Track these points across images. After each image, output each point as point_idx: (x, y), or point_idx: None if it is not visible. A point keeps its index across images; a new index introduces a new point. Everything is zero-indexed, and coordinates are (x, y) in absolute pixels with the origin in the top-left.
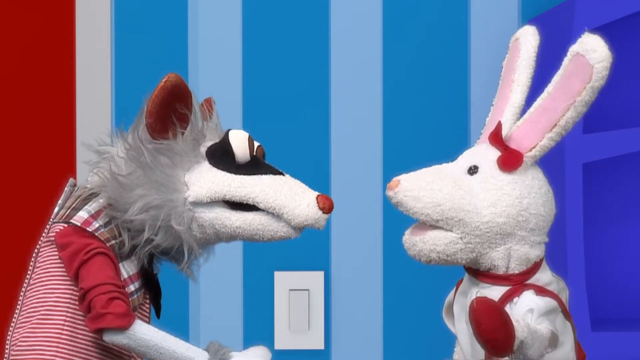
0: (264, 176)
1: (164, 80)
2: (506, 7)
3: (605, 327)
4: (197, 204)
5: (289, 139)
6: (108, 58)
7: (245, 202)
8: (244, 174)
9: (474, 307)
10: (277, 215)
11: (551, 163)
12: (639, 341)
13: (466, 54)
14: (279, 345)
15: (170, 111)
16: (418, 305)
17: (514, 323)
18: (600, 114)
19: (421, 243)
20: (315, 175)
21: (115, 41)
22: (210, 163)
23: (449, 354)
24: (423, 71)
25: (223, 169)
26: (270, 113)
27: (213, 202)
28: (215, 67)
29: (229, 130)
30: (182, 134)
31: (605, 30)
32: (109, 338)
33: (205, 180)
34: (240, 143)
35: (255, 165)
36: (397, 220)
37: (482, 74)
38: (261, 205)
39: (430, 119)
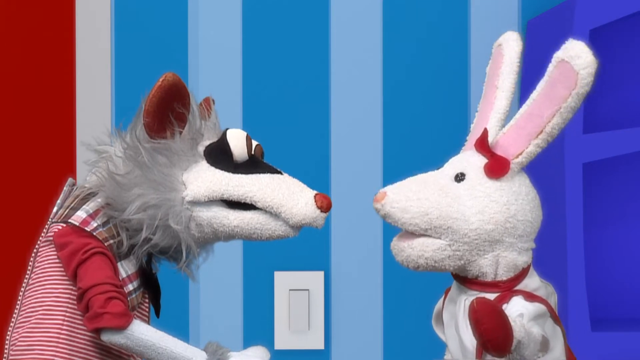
0: (262, 175)
1: (161, 79)
2: (506, 7)
3: (605, 327)
4: (195, 203)
5: (289, 138)
6: (108, 58)
7: (243, 201)
8: (241, 173)
9: (474, 307)
10: (275, 214)
11: (551, 163)
12: (639, 341)
13: (466, 54)
14: (279, 345)
15: (168, 110)
16: (418, 305)
17: (512, 323)
18: (600, 114)
19: (409, 249)
20: (315, 175)
21: (115, 41)
22: (208, 162)
23: None
24: (423, 71)
25: (221, 168)
26: (270, 113)
27: (211, 201)
28: (215, 67)
29: (227, 129)
30: (180, 133)
31: (605, 31)
32: (107, 338)
33: (203, 180)
34: (238, 142)
35: (254, 165)
36: None
37: (482, 74)
38: (259, 204)
39: (430, 119)
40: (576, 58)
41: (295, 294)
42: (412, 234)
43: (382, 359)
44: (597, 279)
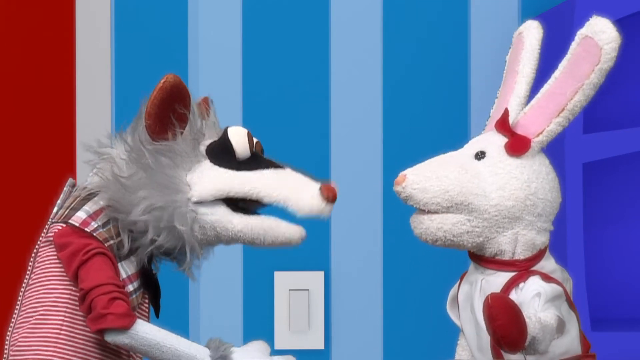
0: (265, 170)
1: (162, 81)
2: (506, 7)
3: (605, 327)
4: (201, 204)
5: (289, 139)
6: (108, 58)
7: (249, 198)
8: (245, 170)
9: (489, 303)
10: (282, 207)
11: (551, 163)
12: (639, 341)
13: (466, 54)
14: (279, 345)
15: (170, 112)
16: (418, 305)
17: (527, 320)
18: (600, 114)
19: (428, 221)
20: (315, 174)
21: (115, 41)
22: (211, 161)
23: (449, 354)
24: (423, 71)
25: (224, 166)
26: (270, 113)
27: (216, 205)
28: (215, 67)
29: (228, 127)
30: (181, 134)
31: None
32: (111, 338)
33: (208, 179)
34: (240, 139)
35: (256, 161)
36: (397, 220)
37: (482, 73)
38: (266, 200)
39: (430, 118)
40: (600, 33)
41: (295, 294)
42: None
43: (382, 359)
44: (597, 279)
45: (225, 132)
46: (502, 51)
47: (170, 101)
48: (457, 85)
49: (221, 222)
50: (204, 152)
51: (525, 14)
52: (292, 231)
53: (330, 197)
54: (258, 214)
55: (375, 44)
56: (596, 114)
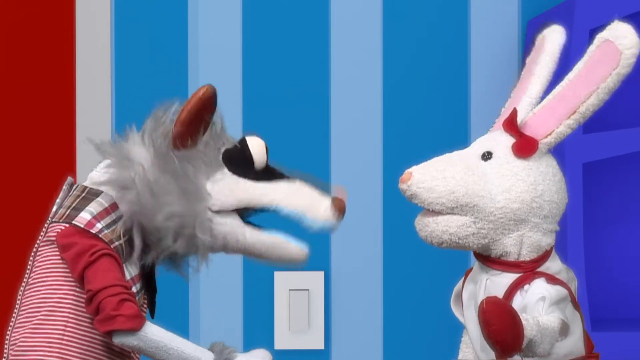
0: (280, 182)
1: (201, 91)
2: (506, 7)
3: (605, 327)
4: (219, 212)
5: (289, 139)
6: (108, 58)
7: (267, 209)
8: (263, 181)
9: (483, 307)
10: (298, 220)
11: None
12: (639, 341)
13: (466, 54)
14: (279, 345)
15: (201, 122)
16: (418, 306)
17: (523, 322)
18: (600, 114)
19: (434, 224)
20: (315, 175)
21: (115, 41)
22: (230, 170)
23: (450, 354)
24: (423, 71)
25: (244, 177)
26: (270, 113)
27: (230, 216)
28: (215, 67)
29: (245, 136)
30: (205, 142)
31: None
32: (119, 340)
33: (229, 189)
34: (260, 150)
35: (271, 172)
36: (397, 220)
37: (482, 73)
38: (284, 211)
39: (430, 119)
40: (622, 38)
41: (295, 294)
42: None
43: (382, 359)
44: (597, 279)
45: (244, 142)
46: (502, 51)
47: (204, 111)
48: (457, 85)
49: (233, 234)
50: (221, 160)
51: (525, 14)
52: (298, 252)
53: (341, 210)
54: (265, 229)
55: (375, 44)
56: (596, 114)
